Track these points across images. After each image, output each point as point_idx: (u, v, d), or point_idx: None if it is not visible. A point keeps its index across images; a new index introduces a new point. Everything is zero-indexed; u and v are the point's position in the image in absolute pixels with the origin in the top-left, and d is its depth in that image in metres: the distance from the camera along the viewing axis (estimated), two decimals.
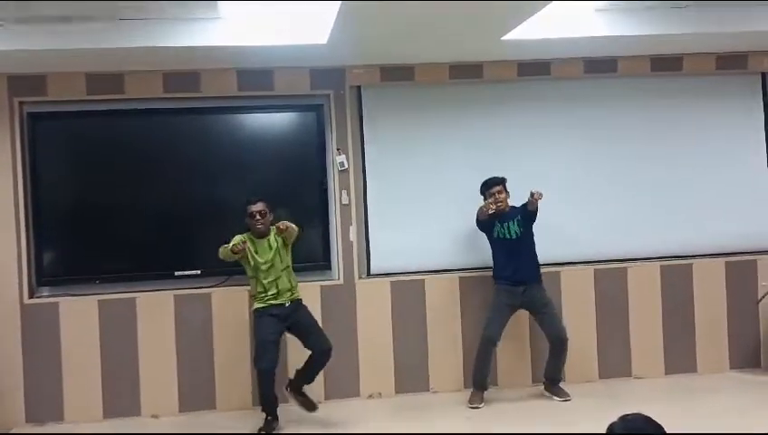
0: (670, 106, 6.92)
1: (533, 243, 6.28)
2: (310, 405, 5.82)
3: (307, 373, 5.80)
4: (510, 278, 6.22)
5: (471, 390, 6.28)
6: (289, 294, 5.76)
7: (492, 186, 6.24)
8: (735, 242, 6.94)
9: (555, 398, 6.21)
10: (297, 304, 5.82)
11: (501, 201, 6.19)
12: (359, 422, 5.89)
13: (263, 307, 5.71)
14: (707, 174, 6.93)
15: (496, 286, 6.30)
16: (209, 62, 6.11)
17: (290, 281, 5.79)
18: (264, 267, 5.68)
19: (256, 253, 5.71)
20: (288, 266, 5.81)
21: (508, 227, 6.23)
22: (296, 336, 5.80)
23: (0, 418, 6.03)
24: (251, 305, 5.85)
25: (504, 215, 6.24)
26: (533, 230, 6.24)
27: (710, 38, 6.24)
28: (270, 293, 5.70)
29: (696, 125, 6.95)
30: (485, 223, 6.24)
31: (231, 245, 5.54)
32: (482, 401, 6.18)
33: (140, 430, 5.93)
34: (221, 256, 5.66)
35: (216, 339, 6.29)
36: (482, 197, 6.24)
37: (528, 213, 6.13)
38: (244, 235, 5.70)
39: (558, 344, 6.22)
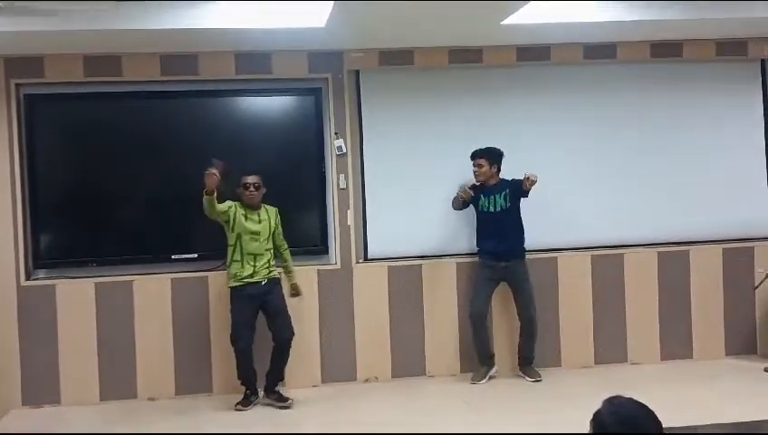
0: (670, 92, 6.90)
1: (520, 218, 6.35)
2: (283, 400, 5.90)
3: (275, 371, 5.94)
4: (491, 252, 6.30)
5: (470, 373, 6.42)
6: (266, 272, 5.84)
7: (473, 158, 6.34)
8: (733, 229, 6.94)
9: (527, 378, 6.33)
10: (273, 283, 5.91)
11: (480, 175, 6.31)
12: (355, 406, 5.90)
13: (239, 286, 5.79)
14: (706, 160, 6.91)
15: (479, 261, 6.41)
16: (207, 44, 6.08)
17: (269, 262, 5.88)
18: (248, 236, 5.78)
19: (245, 221, 5.80)
20: (271, 250, 5.92)
21: (494, 200, 6.30)
22: (264, 315, 5.87)
23: None
24: (228, 281, 5.87)
25: (489, 188, 6.31)
26: (521, 205, 6.34)
27: (710, 24, 6.22)
28: (247, 269, 5.77)
29: (695, 111, 6.93)
30: (465, 204, 6.34)
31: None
32: (483, 377, 6.31)
33: (137, 413, 5.93)
34: (205, 206, 5.62)
35: (212, 322, 6.28)
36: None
37: (522, 191, 6.20)
38: (236, 203, 5.84)
39: (527, 325, 6.37)
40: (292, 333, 5.91)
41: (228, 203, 5.78)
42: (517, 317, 6.42)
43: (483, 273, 6.35)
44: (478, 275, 6.39)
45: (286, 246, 6.08)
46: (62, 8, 5.23)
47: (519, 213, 6.33)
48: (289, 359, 5.95)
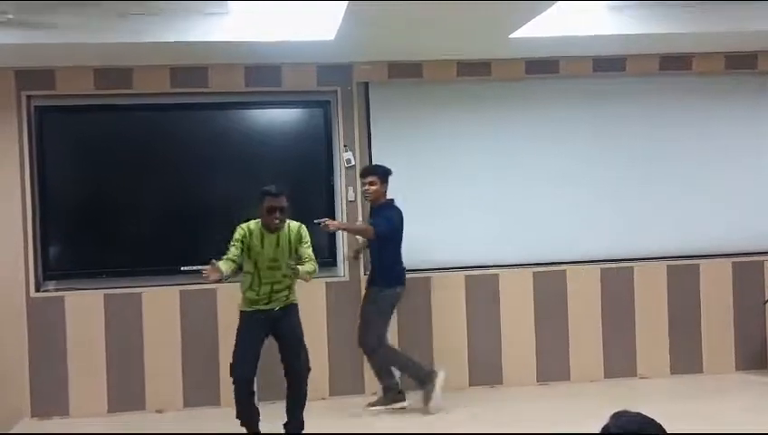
0: (679, 105, 6.90)
1: (382, 246, 5.97)
2: None
3: (295, 418, 5.22)
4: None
5: (479, 386, 6.38)
6: (284, 299, 5.16)
7: (363, 176, 6.04)
8: (743, 242, 6.91)
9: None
10: (289, 309, 5.20)
11: (371, 193, 5.95)
12: (363, 419, 5.87)
13: (248, 311, 5.14)
14: (715, 174, 6.91)
15: None
16: (217, 57, 6.11)
17: (290, 286, 5.19)
18: (266, 264, 5.06)
19: (262, 247, 5.07)
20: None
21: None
22: (277, 343, 5.19)
23: (6, 412, 6.05)
24: (240, 301, 5.25)
25: (376, 209, 6.02)
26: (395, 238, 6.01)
27: (719, 37, 6.21)
28: (262, 299, 5.11)
29: (704, 125, 6.92)
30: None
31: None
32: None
33: (145, 425, 5.93)
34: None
35: (221, 335, 6.26)
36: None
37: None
38: (253, 222, 5.13)
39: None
40: (308, 368, 5.21)
41: (239, 234, 5.08)
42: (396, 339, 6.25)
43: None
44: None
45: (310, 261, 5.19)
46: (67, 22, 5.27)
47: (386, 243, 5.93)
48: (306, 401, 5.26)
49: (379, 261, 6.03)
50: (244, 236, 5.08)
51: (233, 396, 5.11)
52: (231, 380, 5.08)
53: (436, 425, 5.61)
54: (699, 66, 6.82)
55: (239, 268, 5.11)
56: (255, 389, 5.14)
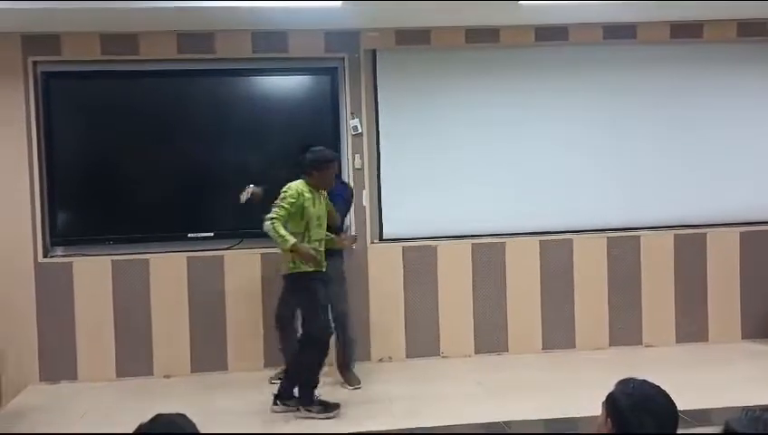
0: (689, 73, 6.83)
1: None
2: (331, 408, 5.27)
3: (314, 373, 5.32)
4: None
5: (484, 354, 6.43)
6: (326, 262, 5.31)
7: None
8: (750, 212, 6.89)
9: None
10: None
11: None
12: (368, 387, 5.90)
13: (314, 271, 5.14)
14: (724, 142, 6.86)
15: None
16: (224, 23, 6.07)
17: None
18: (315, 223, 5.19)
19: (314, 206, 5.18)
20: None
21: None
22: None
23: (15, 376, 6.11)
24: (285, 264, 5.18)
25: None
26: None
27: (731, 5, 6.13)
28: (319, 253, 5.19)
29: (715, 93, 6.85)
30: None
31: (291, 244, 4.94)
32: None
33: (153, 390, 5.97)
34: (272, 234, 4.97)
35: (228, 301, 6.32)
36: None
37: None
38: (299, 183, 5.16)
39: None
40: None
41: (294, 194, 5.08)
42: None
43: None
44: None
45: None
46: None
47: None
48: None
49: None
50: (297, 198, 5.08)
51: (315, 360, 5.21)
52: (316, 346, 5.16)
53: (441, 402, 5.57)
54: (710, 34, 6.75)
55: None
56: None
